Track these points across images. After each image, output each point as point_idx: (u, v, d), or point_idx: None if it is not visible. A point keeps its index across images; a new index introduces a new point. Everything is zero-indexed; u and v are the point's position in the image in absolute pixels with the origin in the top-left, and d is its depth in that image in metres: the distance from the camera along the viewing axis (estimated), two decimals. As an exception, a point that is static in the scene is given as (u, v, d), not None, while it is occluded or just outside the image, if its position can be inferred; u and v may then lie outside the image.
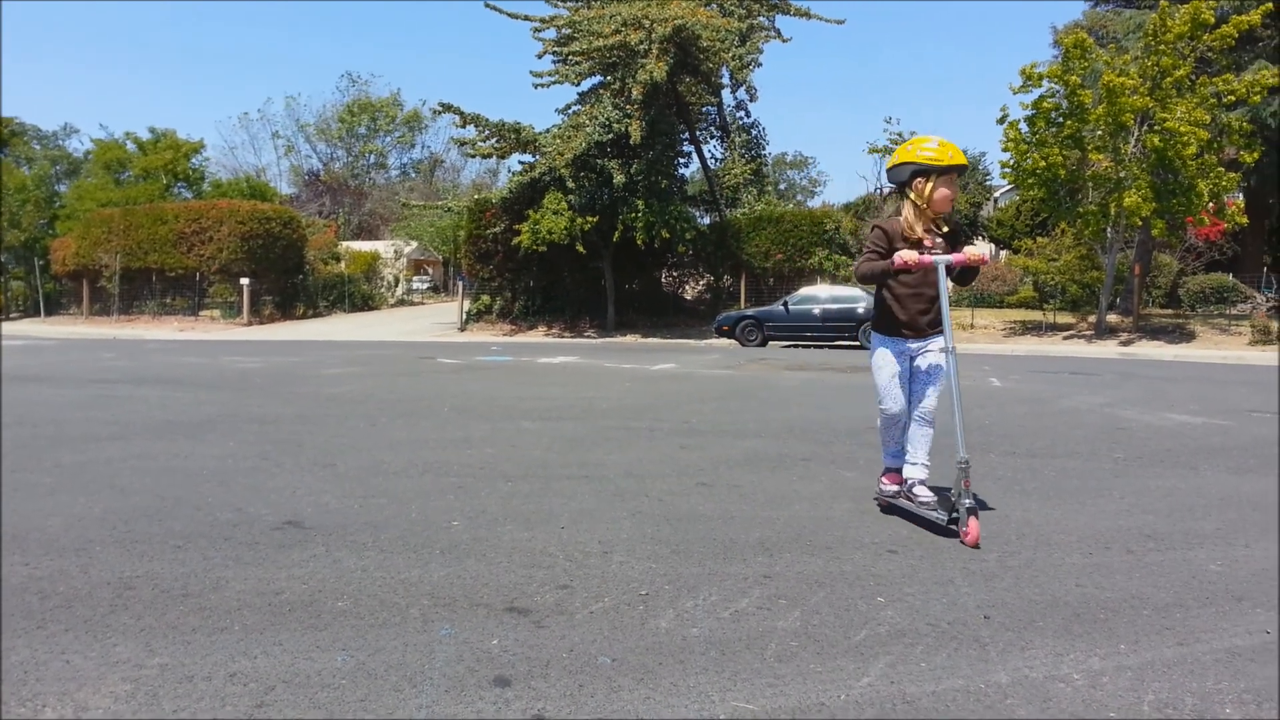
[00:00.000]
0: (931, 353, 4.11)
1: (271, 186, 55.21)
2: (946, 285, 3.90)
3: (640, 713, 2.24)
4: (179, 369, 12.53)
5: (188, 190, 47.21)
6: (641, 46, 22.69)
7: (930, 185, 3.98)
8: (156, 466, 5.31)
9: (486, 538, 3.84)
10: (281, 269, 31.28)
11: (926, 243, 4.01)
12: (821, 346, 20.38)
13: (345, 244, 41.89)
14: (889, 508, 4.36)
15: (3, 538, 3.68)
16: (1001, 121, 22.71)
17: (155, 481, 4.88)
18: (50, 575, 3.22)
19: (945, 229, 4.08)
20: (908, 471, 4.23)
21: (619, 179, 23.12)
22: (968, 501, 3.75)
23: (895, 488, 4.34)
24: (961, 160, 3.87)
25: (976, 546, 3.70)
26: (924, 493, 4.16)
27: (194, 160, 48.33)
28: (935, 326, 4.11)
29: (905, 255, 3.86)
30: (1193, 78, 20.52)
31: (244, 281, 28.89)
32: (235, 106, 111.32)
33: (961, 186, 39.72)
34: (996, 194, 44.41)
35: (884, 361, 4.18)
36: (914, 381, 4.18)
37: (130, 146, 46.61)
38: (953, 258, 3.86)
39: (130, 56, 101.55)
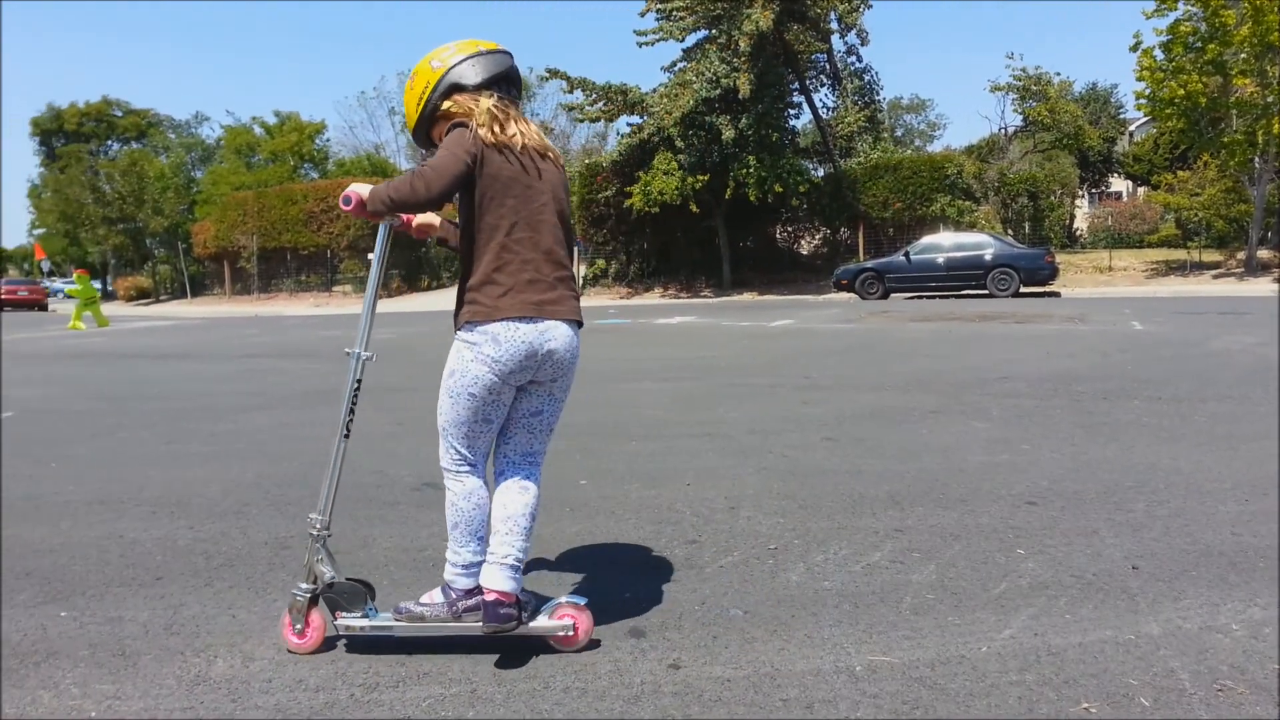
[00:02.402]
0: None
1: (391, 162, 56.68)
2: (381, 250, 2.62)
3: (775, 664, 2.24)
4: (317, 343, 13.12)
5: (314, 170, 49.15)
6: (746, -4, 22.23)
7: None
8: (300, 434, 5.60)
9: (614, 495, 3.90)
10: (406, 243, 32.25)
11: None
12: (947, 296, 19.74)
13: (464, 215, 42.76)
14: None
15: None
16: (1135, 49, 21.42)
17: (300, 448, 5.14)
18: (213, 537, 3.44)
19: None
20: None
21: (728, 135, 22.79)
22: (304, 587, 2.35)
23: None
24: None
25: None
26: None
27: (317, 141, 50.07)
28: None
29: None
30: (1353, -13, 18.83)
31: (371, 257, 29.96)
32: (350, 86, 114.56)
33: (1091, 120, 37.65)
34: (1132, 127, 41.91)
35: None
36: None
37: (258, 131, 48.72)
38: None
39: (244, 41, 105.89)
